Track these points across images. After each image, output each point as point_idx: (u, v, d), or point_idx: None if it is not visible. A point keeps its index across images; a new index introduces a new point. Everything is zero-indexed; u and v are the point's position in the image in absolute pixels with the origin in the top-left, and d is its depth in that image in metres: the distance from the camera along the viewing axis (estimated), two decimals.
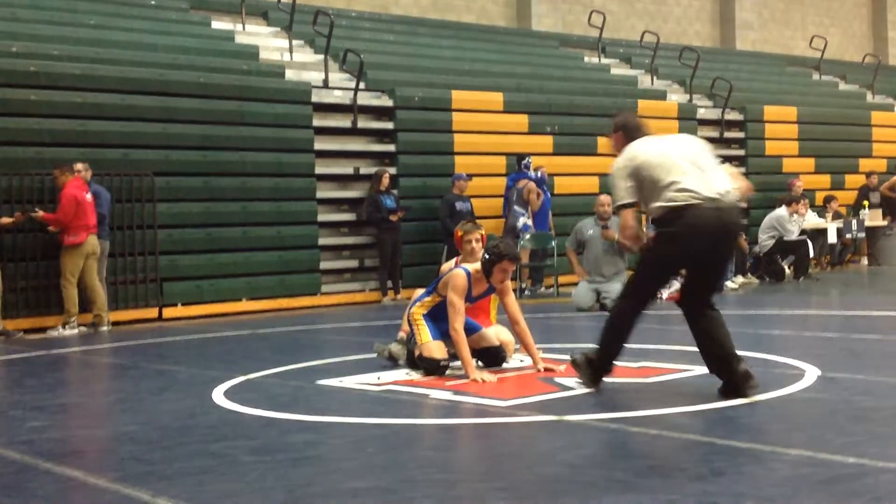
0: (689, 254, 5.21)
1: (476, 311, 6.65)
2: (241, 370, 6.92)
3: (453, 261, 6.92)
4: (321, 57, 14.47)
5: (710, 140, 17.28)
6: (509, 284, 6.53)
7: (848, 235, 16.28)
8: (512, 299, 6.50)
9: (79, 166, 10.69)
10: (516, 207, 13.52)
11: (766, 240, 14.53)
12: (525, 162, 13.75)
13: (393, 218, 12.87)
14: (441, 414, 5.27)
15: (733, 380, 5.18)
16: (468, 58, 16.78)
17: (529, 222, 13.48)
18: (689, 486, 3.53)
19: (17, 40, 11.83)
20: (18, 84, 11.20)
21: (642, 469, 3.79)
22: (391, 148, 13.97)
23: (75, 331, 10.40)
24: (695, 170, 5.20)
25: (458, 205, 13.33)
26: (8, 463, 4.34)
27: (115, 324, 11.10)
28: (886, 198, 17.89)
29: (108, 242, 11.00)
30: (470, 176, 13.64)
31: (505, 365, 6.60)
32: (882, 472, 3.62)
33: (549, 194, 14.03)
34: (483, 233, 6.82)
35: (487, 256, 6.28)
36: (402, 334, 6.98)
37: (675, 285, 12.29)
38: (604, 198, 11.22)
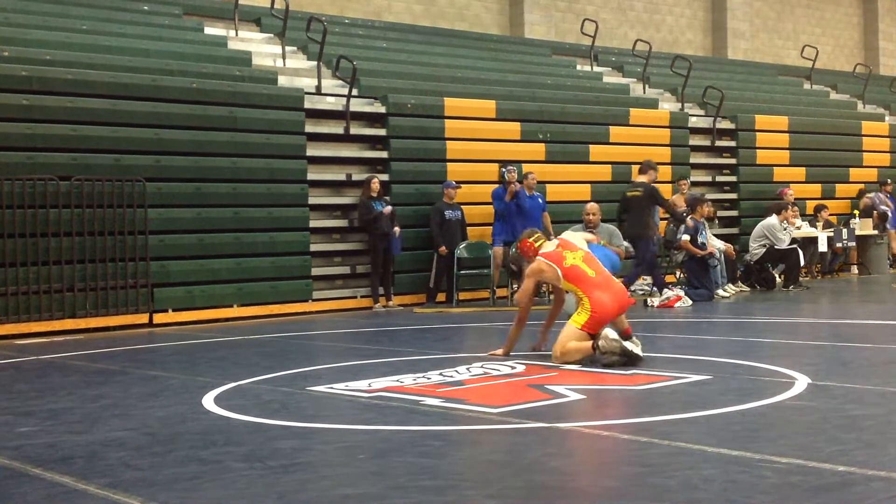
0: None
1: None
2: (232, 376, 6.91)
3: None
4: (314, 63, 14.47)
5: (702, 149, 17.68)
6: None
7: (838, 244, 16.34)
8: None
9: None
10: None
11: (756, 248, 14.56)
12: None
13: (385, 211, 12.82)
14: (432, 420, 5.26)
15: None
16: (461, 65, 16.80)
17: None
18: (678, 493, 3.53)
19: (8, 45, 11.81)
20: (10, 89, 11.19)
21: (632, 476, 3.80)
22: (384, 154, 13.97)
23: None
24: None
25: (448, 213, 13.32)
26: None
27: (106, 329, 11.08)
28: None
29: None
30: (459, 184, 13.64)
31: (496, 372, 6.60)
32: (872, 479, 3.63)
33: (539, 200, 13.96)
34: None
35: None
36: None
37: (668, 293, 12.35)
38: (591, 206, 11.13)
